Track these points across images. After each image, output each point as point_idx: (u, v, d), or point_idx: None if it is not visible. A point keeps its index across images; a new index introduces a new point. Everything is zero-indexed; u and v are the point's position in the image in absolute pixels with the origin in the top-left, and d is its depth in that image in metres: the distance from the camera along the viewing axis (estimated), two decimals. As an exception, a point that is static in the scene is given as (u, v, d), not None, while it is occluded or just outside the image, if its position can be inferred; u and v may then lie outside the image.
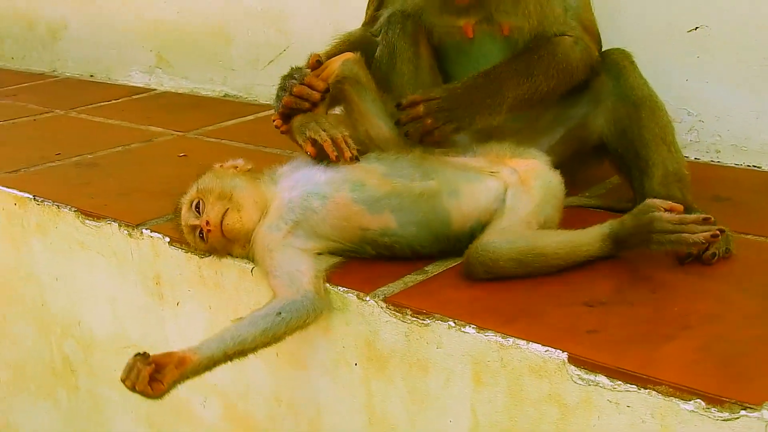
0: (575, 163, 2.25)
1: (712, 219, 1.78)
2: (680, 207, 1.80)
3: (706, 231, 1.74)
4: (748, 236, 1.98)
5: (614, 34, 2.48)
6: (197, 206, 1.96)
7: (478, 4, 2.11)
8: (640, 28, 2.58)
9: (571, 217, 1.97)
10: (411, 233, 1.90)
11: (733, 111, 2.48)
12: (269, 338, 1.79)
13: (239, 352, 1.77)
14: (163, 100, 3.95)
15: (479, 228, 1.88)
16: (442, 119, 2.00)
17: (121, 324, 2.43)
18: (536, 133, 2.24)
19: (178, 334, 2.25)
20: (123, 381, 1.70)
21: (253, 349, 1.79)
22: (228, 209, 1.93)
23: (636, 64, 2.15)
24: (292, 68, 2.04)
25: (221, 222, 1.92)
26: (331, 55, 2.14)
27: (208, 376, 2.14)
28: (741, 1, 2.41)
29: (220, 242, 1.96)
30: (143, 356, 1.70)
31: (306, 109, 1.98)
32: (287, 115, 2.01)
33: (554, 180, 1.97)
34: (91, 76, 4.55)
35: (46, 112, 3.78)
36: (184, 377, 1.73)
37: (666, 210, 1.77)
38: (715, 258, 1.83)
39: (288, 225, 1.92)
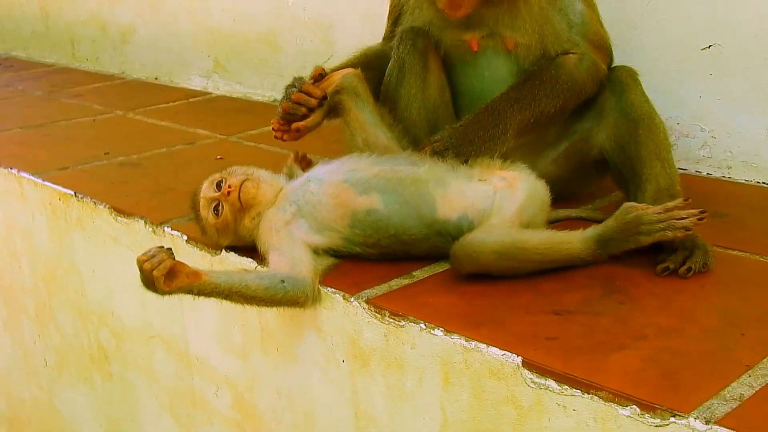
0: (577, 177, 2.31)
1: (690, 200, 1.86)
2: (658, 208, 1.88)
3: (690, 215, 1.84)
4: (733, 252, 2.02)
5: (630, 50, 2.54)
6: (219, 184, 2.11)
7: (479, 19, 2.19)
8: (655, 45, 2.62)
9: (572, 229, 2.01)
10: (395, 211, 1.99)
11: (745, 128, 2.50)
12: (267, 297, 1.91)
13: (239, 294, 1.90)
14: (216, 103, 4.11)
15: (467, 223, 1.97)
16: (449, 156, 2.09)
17: (148, 316, 2.58)
18: (540, 146, 2.31)
19: (193, 325, 2.39)
20: (141, 262, 1.83)
21: (251, 298, 1.92)
22: (247, 179, 2.09)
23: (639, 82, 2.20)
24: (294, 78, 2.16)
25: (240, 185, 2.07)
26: (340, 67, 2.25)
27: (220, 367, 2.30)
28: (754, 20, 2.43)
29: (233, 210, 2.08)
30: (168, 250, 1.85)
31: (302, 115, 2.10)
32: (287, 120, 2.13)
33: (539, 185, 2.06)
34: (156, 78, 4.76)
35: (107, 113, 3.98)
36: (190, 288, 1.86)
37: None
38: (691, 272, 1.88)
39: (292, 208, 2.05)
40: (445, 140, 2.13)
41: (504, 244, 1.87)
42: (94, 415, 3.04)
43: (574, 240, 1.90)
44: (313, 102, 2.10)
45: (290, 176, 2.22)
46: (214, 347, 2.35)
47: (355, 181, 2.03)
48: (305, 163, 2.30)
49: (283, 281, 1.93)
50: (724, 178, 2.56)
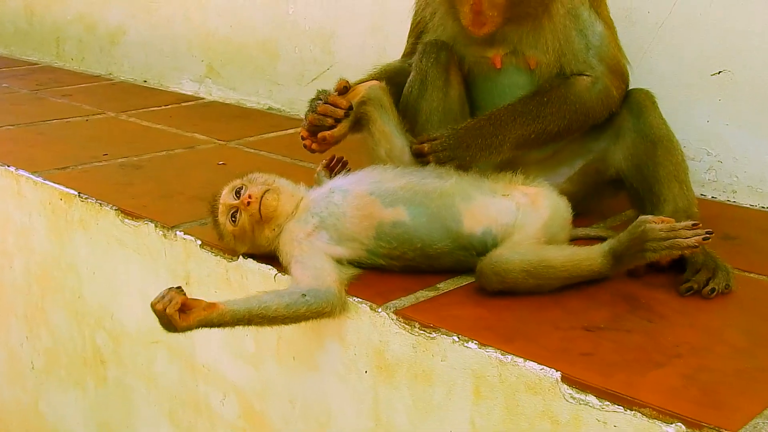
0: (592, 194, 2.34)
1: (700, 225, 1.88)
2: (671, 220, 1.90)
3: (696, 235, 1.86)
4: (750, 274, 2.06)
5: (639, 73, 2.56)
6: (238, 191, 2.10)
7: (503, 36, 2.21)
8: (664, 69, 2.66)
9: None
10: (421, 224, 1.99)
11: (751, 154, 2.55)
12: (290, 314, 1.89)
13: (261, 316, 1.88)
14: (209, 109, 4.10)
15: (491, 238, 1.98)
16: (444, 158, 2.12)
17: (151, 320, 2.51)
18: (557, 163, 2.34)
19: (202, 333, 2.36)
20: (154, 305, 1.81)
21: (273, 319, 1.89)
22: (268, 189, 2.08)
23: (657, 105, 2.24)
24: (319, 91, 2.17)
25: (261, 197, 2.06)
26: (361, 82, 2.26)
27: (228, 374, 2.28)
28: (764, 48, 2.48)
29: (252, 220, 2.07)
30: (178, 288, 1.83)
31: (329, 126, 2.10)
32: (312, 132, 2.13)
33: (561, 202, 2.08)
34: (145, 81, 4.73)
35: (99, 114, 3.94)
36: (208, 320, 1.84)
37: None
38: (714, 293, 1.91)
39: (315, 220, 2.05)
40: (443, 141, 2.14)
41: (531, 262, 1.89)
42: (84, 420, 2.99)
43: (596, 256, 1.93)
44: (340, 113, 2.10)
45: (318, 183, 2.22)
46: (224, 354, 2.33)
47: (381, 193, 2.03)
48: (341, 166, 2.31)
49: (304, 295, 1.91)
50: (729, 202, 2.61)
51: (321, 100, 2.13)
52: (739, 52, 2.53)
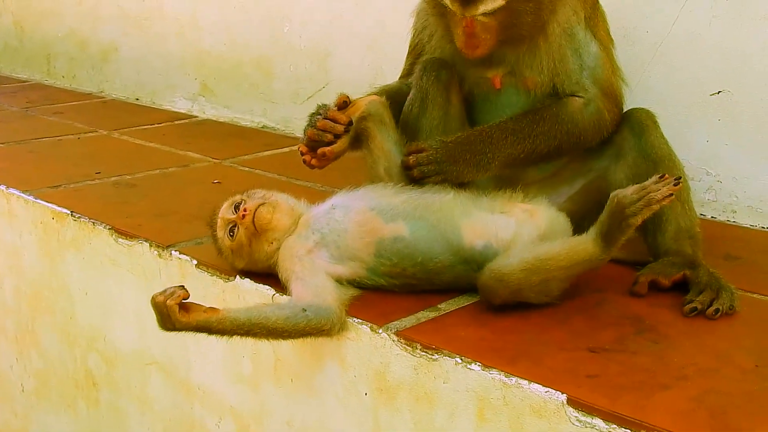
0: (592, 213, 2.28)
1: (666, 175, 1.87)
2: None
3: (666, 184, 1.86)
4: (754, 295, 2.04)
5: (640, 94, 2.57)
6: (237, 206, 2.08)
7: (500, 57, 2.19)
8: (664, 88, 2.65)
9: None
10: (422, 237, 1.98)
11: (751, 174, 2.54)
12: (289, 327, 1.86)
13: (259, 326, 1.85)
14: (203, 127, 4.08)
15: (491, 252, 1.96)
16: (430, 172, 2.10)
17: (145, 341, 2.52)
18: (558, 182, 2.32)
19: (198, 354, 2.34)
20: (155, 297, 1.80)
21: (272, 331, 1.87)
22: (264, 203, 2.06)
23: (658, 125, 2.22)
24: (318, 106, 2.15)
25: (255, 209, 2.04)
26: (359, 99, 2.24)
27: (225, 396, 2.24)
28: (763, 68, 2.47)
29: (248, 234, 2.05)
30: (181, 286, 1.81)
31: (328, 141, 2.08)
32: (311, 148, 2.11)
33: (559, 216, 2.07)
34: (137, 99, 4.70)
35: (91, 132, 3.91)
36: (208, 324, 1.83)
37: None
38: (719, 314, 1.89)
39: (315, 236, 2.03)
40: (430, 154, 2.12)
41: (528, 260, 1.87)
42: (76, 442, 2.95)
43: (587, 240, 1.91)
44: (340, 128, 2.08)
45: None
46: (220, 375, 2.30)
47: (381, 208, 2.02)
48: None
49: (304, 310, 1.89)
50: (728, 222, 2.60)
51: (320, 115, 2.11)
52: (739, 72, 2.52)
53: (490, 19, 2.07)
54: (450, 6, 2.06)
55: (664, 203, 1.87)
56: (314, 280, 1.97)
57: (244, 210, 2.05)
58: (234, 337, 1.88)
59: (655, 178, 1.89)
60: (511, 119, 2.19)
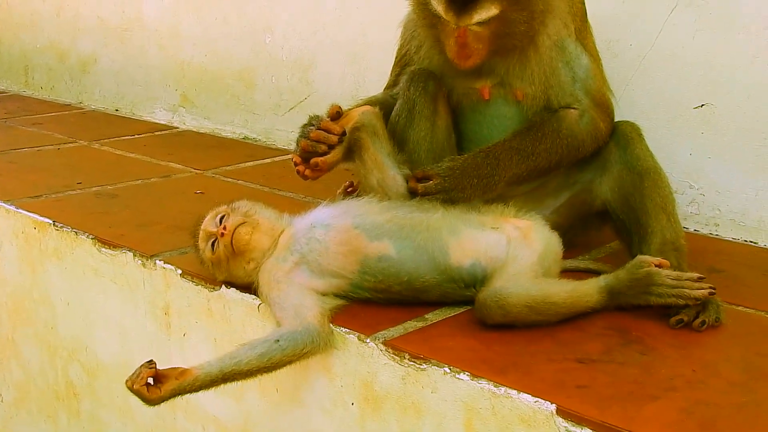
0: (577, 226, 2.33)
1: (705, 278, 1.90)
2: (668, 263, 1.94)
3: (703, 288, 1.88)
4: (739, 307, 2.05)
5: (624, 106, 2.58)
6: (222, 218, 2.06)
7: (490, 68, 2.20)
8: (647, 102, 2.67)
9: (569, 279, 2.03)
10: (408, 257, 1.96)
11: (733, 187, 2.56)
12: (264, 363, 1.85)
13: (235, 372, 1.84)
14: (184, 138, 4.06)
15: (480, 270, 1.96)
16: (439, 200, 2.09)
17: (128, 351, 2.50)
18: (543, 195, 2.33)
19: (183, 364, 2.30)
20: (126, 383, 1.79)
21: (247, 372, 1.85)
22: (245, 222, 2.04)
23: (643, 137, 2.24)
24: (311, 116, 2.13)
25: (234, 230, 2.02)
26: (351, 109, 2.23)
27: (208, 406, 2.22)
28: (746, 82, 2.50)
29: (226, 252, 2.04)
30: (149, 362, 1.80)
31: (322, 153, 2.07)
32: (305, 159, 2.10)
33: (553, 237, 2.06)
34: (116, 110, 4.68)
35: (70, 142, 3.88)
36: (182, 388, 1.81)
37: (656, 266, 1.90)
38: (705, 326, 1.90)
39: (294, 257, 2.01)
40: (437, 183, 2.10)
41: (535, 298, 1.87)
42: (55, 454, 2.92)
43: (593, 292, 1.92)
44: (333, 139, 2.07)
45: None
46: (203, 386, 2.28)
47: (366, 226, 2.00)
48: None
49: (277, 341, 1.87)
50: (711, 235, 2.61)
51: (313, 125, 2.10)
52: (722, 85, 2.54)
53: (483, 29, 2.07)
54: (444, 15, 2.06)
55: (690, 303, 1.90)
56: (291, 302, 1.95)
57: (224, 228, 2.03)
58: (218, 387, 1.86)
59: (693, 275, 1.92)
60: (513, 138, 2.19)
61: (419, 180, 2.12)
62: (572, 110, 2.22)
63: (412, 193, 2.11)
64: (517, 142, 2.18)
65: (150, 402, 1.79)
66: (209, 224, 2.09)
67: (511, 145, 2.18)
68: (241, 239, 2.03)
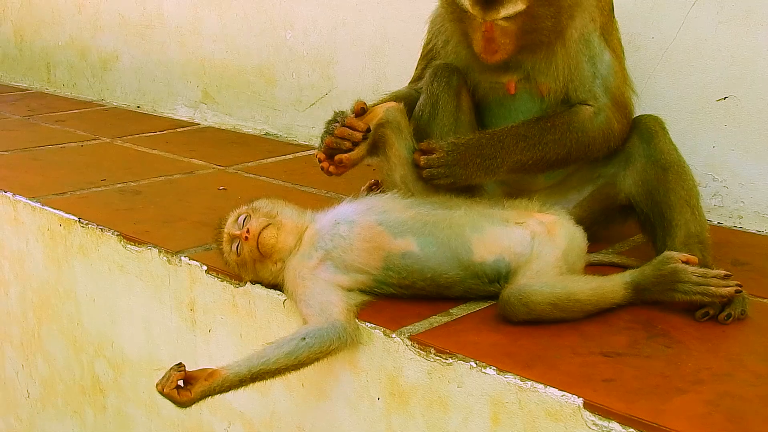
0: (601, 220, 2.32)
1: (732, 276, 1.89)
2: (696, 259, 1.93)
3: (729, 285, 1.88)
4: (764, 300, 2.05)
5: (646, 99, 2.58)
6: (244, 219, 2.07)
7: (516, 63, 2.20)
8: (671, 95, 2.66)
9: (593, 273, 2.03)
10: (431, 254, 1.97)
11: (757, 179, 2.55)
12: (292, 361, 1.87)
13: (263, 371, 1.86)
14: (205, 134, 4.08)
15: (503, 265, 1.96)
16: (439, 175, 2.11)
17: (153, 347, 2.52)
18: (566, 189, 2.33)
19: (208, 360, 2.33)
20: (156, 387, 1.81)
21: (276, 370, 1.87)
22: (269, 224, 2.04)
23: (667, 130, 2.23)
24: (335, 112, 2.14)
25: (259, 234, 2.02)
26: (378, 104, 2.24)
27: (234, 402, 2.24)
28: (770, 74, 2.49)
29: (252, 255, 2.05)
30: (178, 365, 1.82)
31: (347, 149, 2.07)
32: (329, 155, 2.11)
33: (578, 232, 2.06)
34: (138, 107, 4.71)
35: (93, 139, 3.91)
36: (211, 389, 1.83)
37: (683, 262, 1.90)
38: (730, 319, 1.90)
39: (319, 253, 2.02)
40: (440, 157, 2.11)
41: (559, 296, 1.87)
42: (81, 449, 2.95)
43: (618, 289, 1.92)
44: (358, 135, 2.07)
45: None
46: (229, 381, 2.30)
47: (389, 223, 2.00)
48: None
49: (303, 338, 1.88)
50: (735, 228, 2.60)
51: (338, 122, 2.10)
52: (745, 77, 2.53)
53: (510, 24, 2.07)
54: (470, 10, 2.06)
55: (716, 300, 1.90)
56: (317, 299, 1.96)
57: (247, 231, 2.03)
58: (246, 387, 1.88)
59: (720, 272, 1.91)
60: (522, 125, 2.20)
61: (423, 153, 2.13)
62: (587, 107, 2.22)
63: (416, 166, 2.12)
64: (525, 129, 2.19)
65: (181, 405, 1.82)
66: (232, 227, 2.09)
67: (519, 131, 2.19)
68: (267, 243, 2.03)
